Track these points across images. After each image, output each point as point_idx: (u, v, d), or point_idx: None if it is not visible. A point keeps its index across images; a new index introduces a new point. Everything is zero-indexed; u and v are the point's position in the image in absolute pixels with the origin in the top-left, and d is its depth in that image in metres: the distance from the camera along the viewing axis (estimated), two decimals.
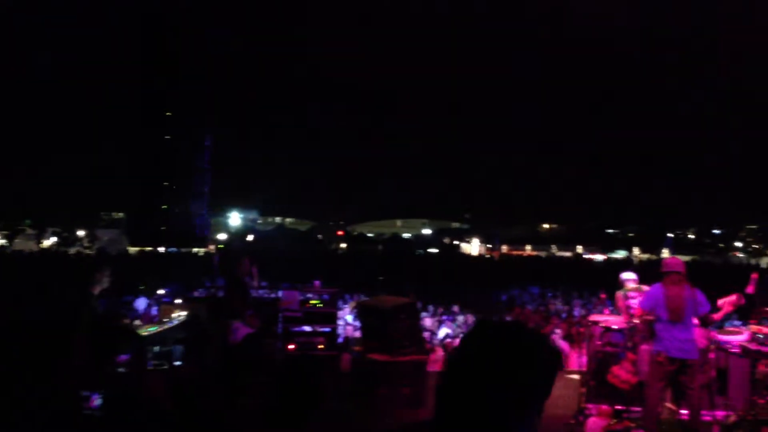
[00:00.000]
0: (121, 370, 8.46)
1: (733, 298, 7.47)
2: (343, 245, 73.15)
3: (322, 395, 3.46)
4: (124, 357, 8.50)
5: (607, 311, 9.68)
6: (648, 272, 10.36)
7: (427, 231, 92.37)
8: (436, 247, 77.06)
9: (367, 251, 60.55)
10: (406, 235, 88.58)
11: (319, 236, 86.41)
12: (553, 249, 79.68)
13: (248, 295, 8.98)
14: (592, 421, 7.71)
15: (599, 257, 65.24)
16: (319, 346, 9.57)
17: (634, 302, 9.45)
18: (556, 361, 1.76)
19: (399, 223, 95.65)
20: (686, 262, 8.17)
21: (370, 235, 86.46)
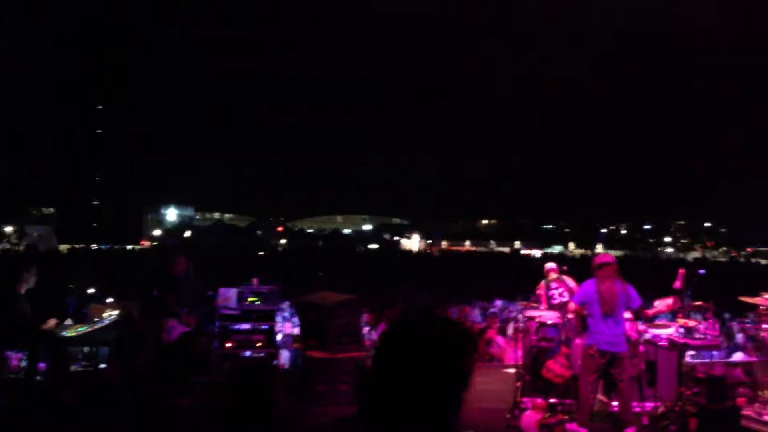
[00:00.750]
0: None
1: (669, 301, 7.72)
2: (283, 241, 72.58)
3: (274, 401, 3.47)
4: (42, 364, 8.21)
5: (526, 303, 9.86)
6: (582, 266, 10.62)
7: (367, 227, 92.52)
8: (376, 243, 77.28)
9: (307, 247, 60.24)
10: (346, 231, 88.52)
11: (259, 232, 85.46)
12: (492, 244, 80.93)
13: (184, 292, 8.79)
14: (527, 415, 7.84)
15: (537, 252, 66.59)
16: (258, 344, 9.45)
17: (556, 293, 9.68)
18: (469, 348, 1.79)
19: (340, 218, 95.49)
20: (618, 257, 8.40)
21: (310, 230, 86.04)
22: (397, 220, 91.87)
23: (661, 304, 7.86)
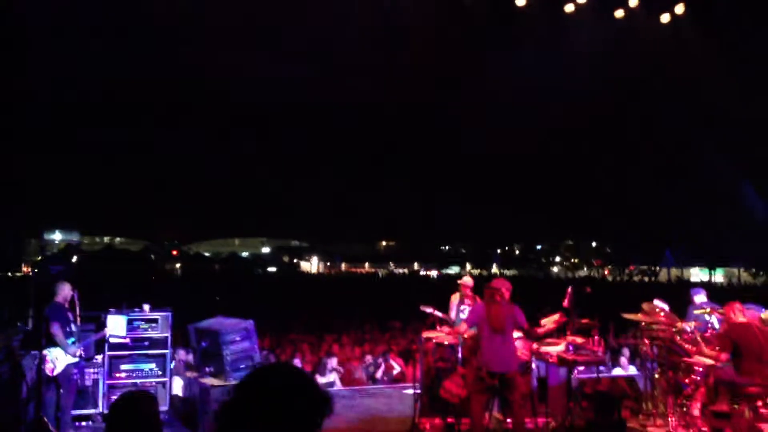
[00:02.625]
0: None
1: (555, 317, 8.01)
2: (178, 265, 70.48)
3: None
4: None
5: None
6: (477, 286, 10.86)
7: (265, 249, 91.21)
8: (275, 266, 76.32)
9: (203, 271, 58.66)
10: (244, 254, 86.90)
11: (152, 256, 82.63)
12: (391, 266, 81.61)
13: (69, 321, 8.35)
14: None
15: (434, 273, 67.69)
16: (149, 380, 9.11)
17: (463, 312, 9.86)
18: (318, 408, 1.88)
19: (237, 241, 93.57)
20: (512, 277, 8.65)
21: (206, 254, 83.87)
22: (295, 243, 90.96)
23: (549, 321, 8.16)
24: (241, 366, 8.32)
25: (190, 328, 9.16)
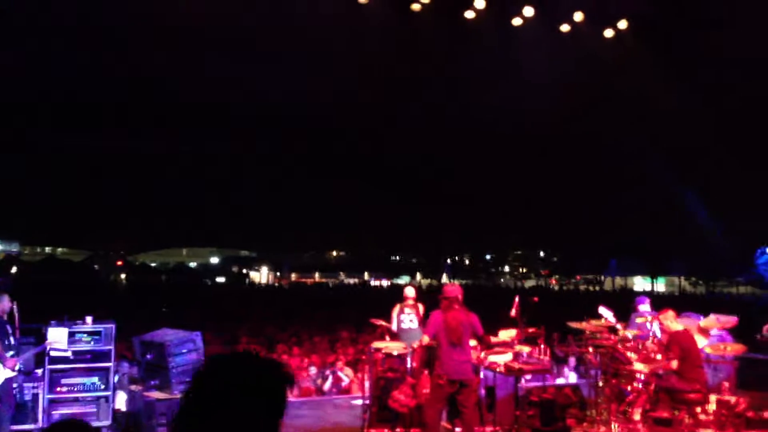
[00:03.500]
0: None
1: (513, 333, 8.10)
2: (123, 276, 68.93)
3: None
4: None
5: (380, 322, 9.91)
6: (428, 296, 10.92)
7: (215, 260, 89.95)
8: (224, 276, 75.33)
9: (149, 282, 57.52)
10: (192, 265, 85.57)
11: (96, 267, 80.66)
12: (342, 276, 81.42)
13: (8, 334, 8.08)
14: None
15: (385, 283, 67.80)
16: (91, 394, 8.87)
17: (407, 318, 9.91)
18: (279, 387, 1.86)
19: (185, 252, 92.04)
20: (463, 286, 8.73)
21: (153, 264, 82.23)
22: (245, 253, 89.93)
23: (506, 335, 8.26)
24: (188, 379, 8.18)
25: (135, 340, 8.97)
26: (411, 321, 9.91)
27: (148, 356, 8.60)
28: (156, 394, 8.08)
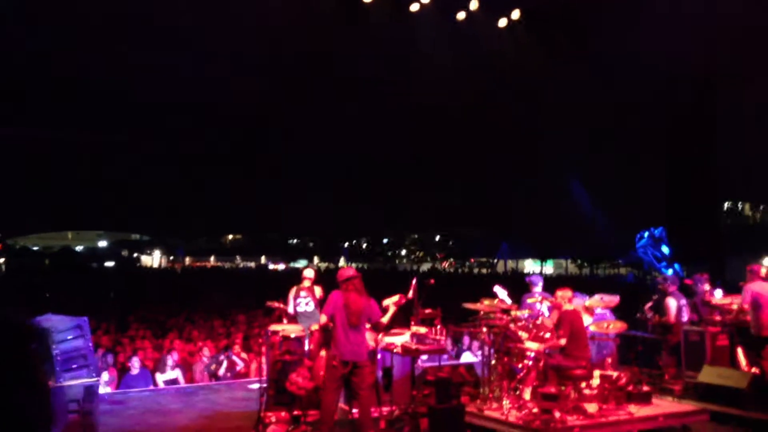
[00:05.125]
0: None
1: (395, 298, 8.19)
2: (2, 260, 64.95)
3: None
4: None
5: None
6: (327, 279, 10.91)
7: (102, 243, 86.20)
8: (113, 260, 72.36)
9: (30, 266, 54.49)
10: (78, 248, 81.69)
11: None
12: (238, 259, 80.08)
13: None
14: (272, 429, 7.85)
15: (282, 266, 67.22)
16: None
17: (303, 301, 9.88)
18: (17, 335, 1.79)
19: (70, 235, 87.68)
20: (360, 269, 8.77)
21: (35, 248, 77.90)
22: (136, 236, 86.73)
23: (390, 302, 8.34)
24: (74, 366, 7.83)
25: None
26: (307, 304, 9.88)
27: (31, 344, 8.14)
28: None
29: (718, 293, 11.58)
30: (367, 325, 8.09)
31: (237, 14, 19.40)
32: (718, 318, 10.44)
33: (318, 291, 10.14)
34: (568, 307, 8.49)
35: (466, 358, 12.02)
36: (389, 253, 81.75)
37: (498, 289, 9.77)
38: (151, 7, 19.38)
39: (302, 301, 9.89)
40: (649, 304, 11.30)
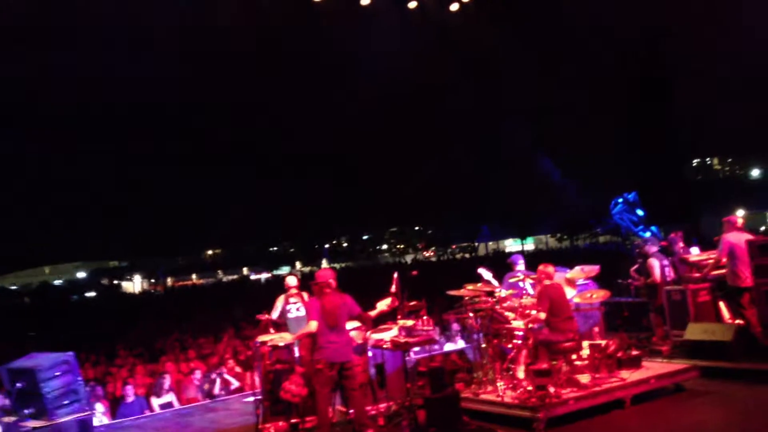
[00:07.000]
0: None
1: (388, 301, 8.23)
2: None
3: None
4: None
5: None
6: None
7: (81, 274, 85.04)
8: (93, 291, 71.43)
9: (10, 306, 53.62)
10: (57, 282, 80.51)
11: None
12: (220, 274, 79.47)
13: None
14: None
15: (265, 275, 66.82)
16: None
17: (293, 307, 9.87)
18: None
19: (47, 269, 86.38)
20: (343, 268, 8.78)
21: (13, 287, 76.67)
22: (114, 263, 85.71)
23: (382, 304, 8.37)
24: (66, 402, 7.77)
25: (2, 369, 8.37)
26: (298, 309, 9.86)
27: (19, 384, 8.05)
28: (32, 423, 7.61)
29: (695, 250, 11.75)
30: (356, 323, 8.12)
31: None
32: (696, 275, 10.58)
33: (306, 296, 10.13)
34: (547, 282, 8.58)
35: (456, 345, 12.09)
36: (370, 249, 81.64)
37: (483, 271, 9.81)
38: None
39: (293, 307, 9.87)
40: (635, 267, 11.43)
